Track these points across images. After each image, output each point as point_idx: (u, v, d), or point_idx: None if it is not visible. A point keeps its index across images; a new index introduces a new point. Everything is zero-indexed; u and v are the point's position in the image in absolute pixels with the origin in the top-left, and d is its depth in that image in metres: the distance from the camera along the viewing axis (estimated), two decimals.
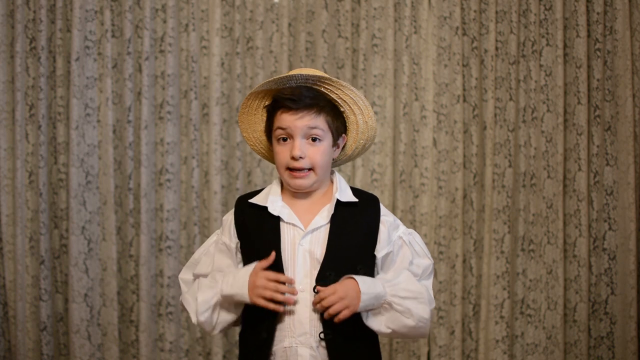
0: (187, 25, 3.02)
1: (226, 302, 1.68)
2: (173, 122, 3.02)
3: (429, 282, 1.78)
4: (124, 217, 3.04)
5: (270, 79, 1.71)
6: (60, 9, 2.97)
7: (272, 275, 1.62)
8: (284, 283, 1.63)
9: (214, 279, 1.71)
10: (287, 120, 1.68)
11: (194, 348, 3.07)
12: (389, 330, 1.67)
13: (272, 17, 3.02)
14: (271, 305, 1.61)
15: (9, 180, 3.01)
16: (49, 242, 3.01)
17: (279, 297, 1.61)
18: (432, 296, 1.76)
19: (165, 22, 3.01)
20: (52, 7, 2.98)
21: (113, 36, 3.01)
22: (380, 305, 1.66)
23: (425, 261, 1.78)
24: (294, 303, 1.64)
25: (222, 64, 3.05)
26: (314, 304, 1.62)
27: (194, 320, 1.70)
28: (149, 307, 3.00)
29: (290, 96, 1.68)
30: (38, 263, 3.00)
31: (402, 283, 1.68)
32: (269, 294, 1.61)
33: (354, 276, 1.64)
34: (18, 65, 2.96)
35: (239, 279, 1.64)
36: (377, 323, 1.67)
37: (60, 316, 3.06)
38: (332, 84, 1.71)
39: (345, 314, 1.61)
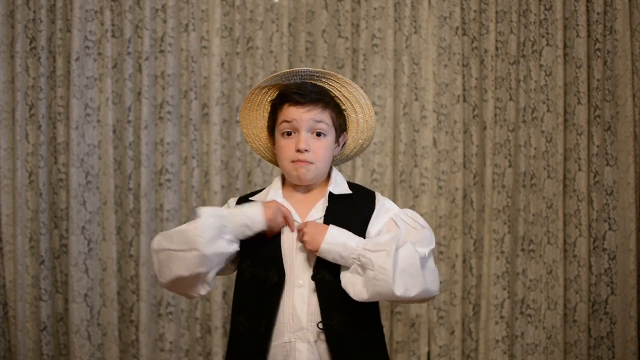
0: (187, 25, 3.02)
1: (228, 235, 1.66)
2: (173, 122, 3.02)
3: (425, 250, 1.66)
4: (124, 217, 3.04)
5: (275, 74, 1.73)
6: (60, 9, 2.97)
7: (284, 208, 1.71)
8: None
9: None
10: (293, 113, 1.70)
11: (194, 348, 3.07)
12: (365, 295, 1.61)
13: (272, 17, 3.02)
14: (291, 218, 1.70)
15: (9, 180, 3.01)
16: (49, 242, 3.01)
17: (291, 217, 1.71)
18: (419, 260, 1.61)
19: (165, 22, 3.01)
20: (52, 7, 2.98)
21: (113, 36, 3.01)
22: (351, 261, 1.63)
23: (420, 232, 1.70)
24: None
25: (222, 64, 3.05)
26: (299, 230, 1.68)
27: (193, 253, 1.61)
28: (149, 307, 3.00)
29: (297, 90, 1.71)
30: (38, 263, 3.00)
31: (377, 239, 1.64)
32: (284, 209, 1.70)
33: (334, 227, 1.66)
34: (18, 65, 2.96)
35: (251, 207, 1.70)
36: (352, 286, 1.62)
37: (60, 316, 3.06)
38: (336, 80, 1.74)
39: (306, 242, 1.65)
